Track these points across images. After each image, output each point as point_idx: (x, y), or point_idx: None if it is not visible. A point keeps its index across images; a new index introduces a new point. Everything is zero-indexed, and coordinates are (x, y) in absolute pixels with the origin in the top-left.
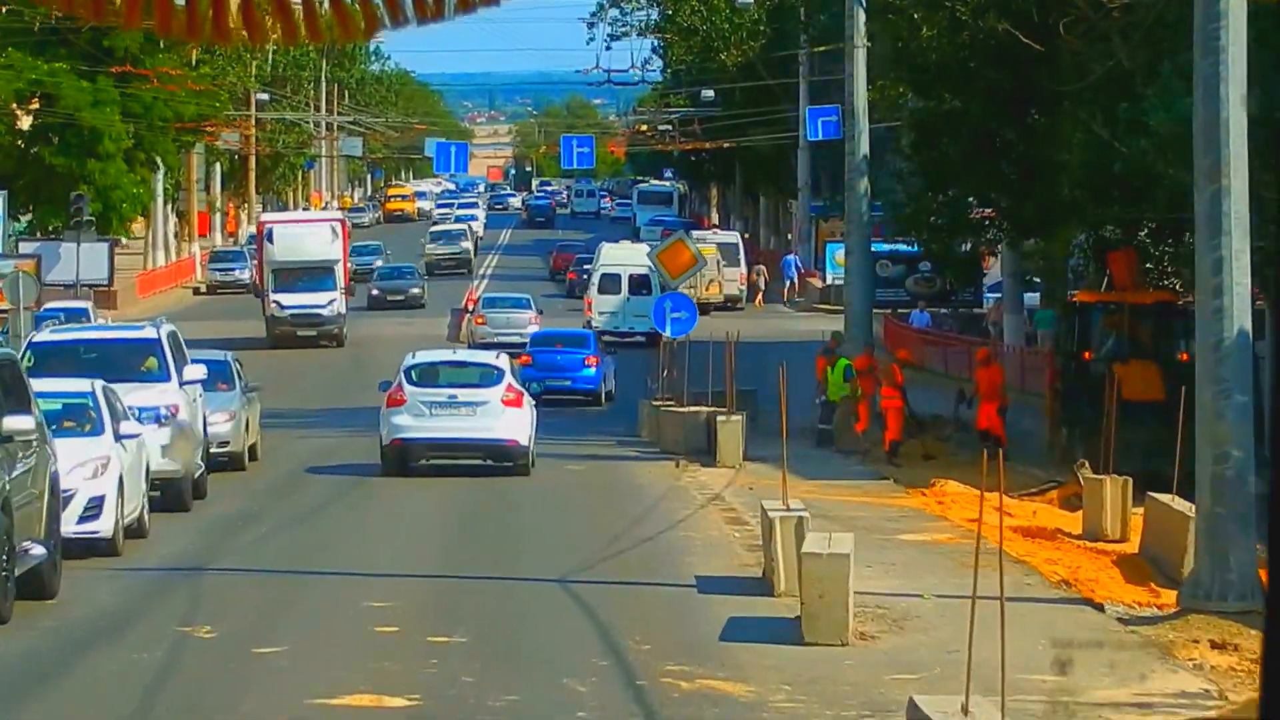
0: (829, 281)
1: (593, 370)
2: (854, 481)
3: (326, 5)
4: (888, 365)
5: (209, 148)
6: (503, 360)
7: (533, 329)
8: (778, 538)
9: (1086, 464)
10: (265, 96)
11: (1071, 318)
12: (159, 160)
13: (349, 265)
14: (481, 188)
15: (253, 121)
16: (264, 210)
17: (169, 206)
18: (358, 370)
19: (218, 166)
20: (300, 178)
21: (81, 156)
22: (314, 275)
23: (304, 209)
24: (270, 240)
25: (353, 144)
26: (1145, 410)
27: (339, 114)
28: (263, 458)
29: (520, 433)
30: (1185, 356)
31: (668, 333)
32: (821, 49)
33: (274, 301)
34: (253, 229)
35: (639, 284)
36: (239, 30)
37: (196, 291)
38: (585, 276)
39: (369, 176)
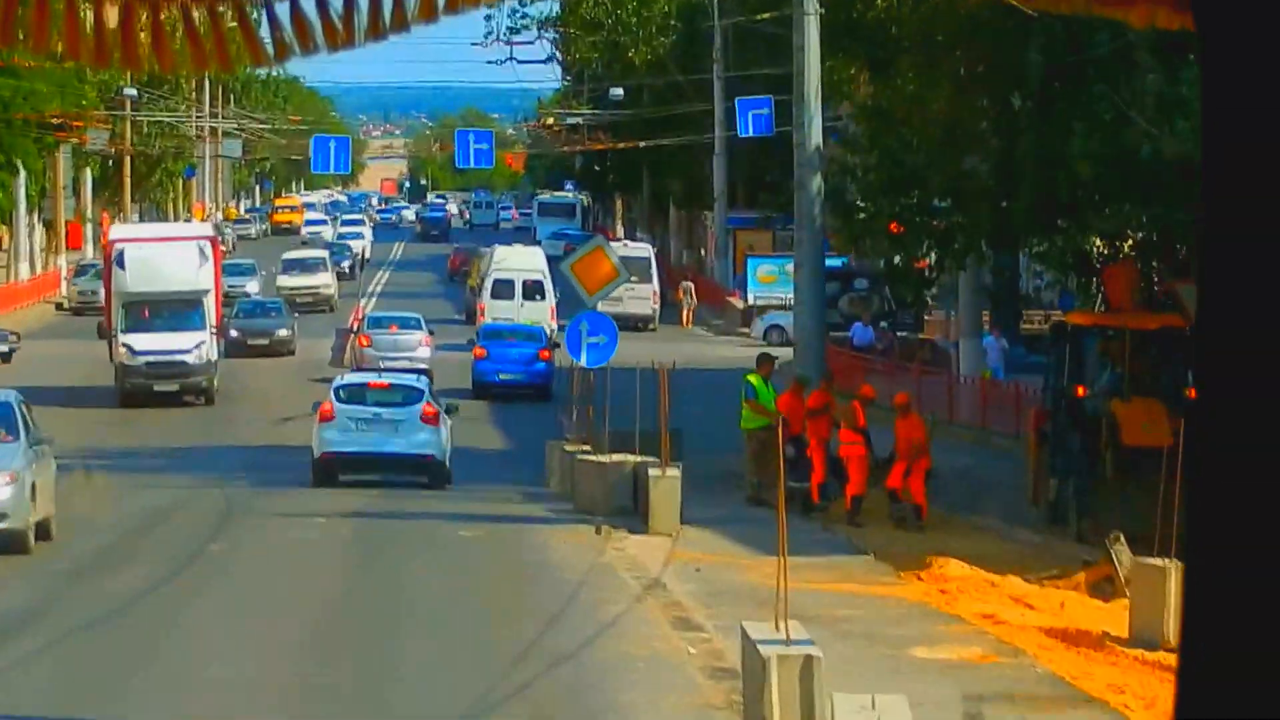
0: (752, 301)
1: (544, 364)
2: (825, 557)
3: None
4: (848, 404)
5: (77, 150)
6: (422, 381)
7: (424, 351)
8: (774, 692)
9: (1122, 539)
10: (134, 93)
11: (1061, 345)
12: (19, 163)
13: (221, 292)
14: (374, 200)
15: (127, 122)
16: (141, 219)
17: (34, 215)
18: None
19: (88, 172)
20: (181, 186)
21: None
22: (176, 310)
23: (186, 220)
24: (120, 264)
25: (232, 146)
26: (1148, 458)
27: (222, 118)
28: (61, 535)
29: (437, 448)
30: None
31: (583, 361)
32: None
33: (124, 345)
34: None
35: (533, 290)
36: (149, 57)
37: (59, 307)
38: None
39: (257, 187)
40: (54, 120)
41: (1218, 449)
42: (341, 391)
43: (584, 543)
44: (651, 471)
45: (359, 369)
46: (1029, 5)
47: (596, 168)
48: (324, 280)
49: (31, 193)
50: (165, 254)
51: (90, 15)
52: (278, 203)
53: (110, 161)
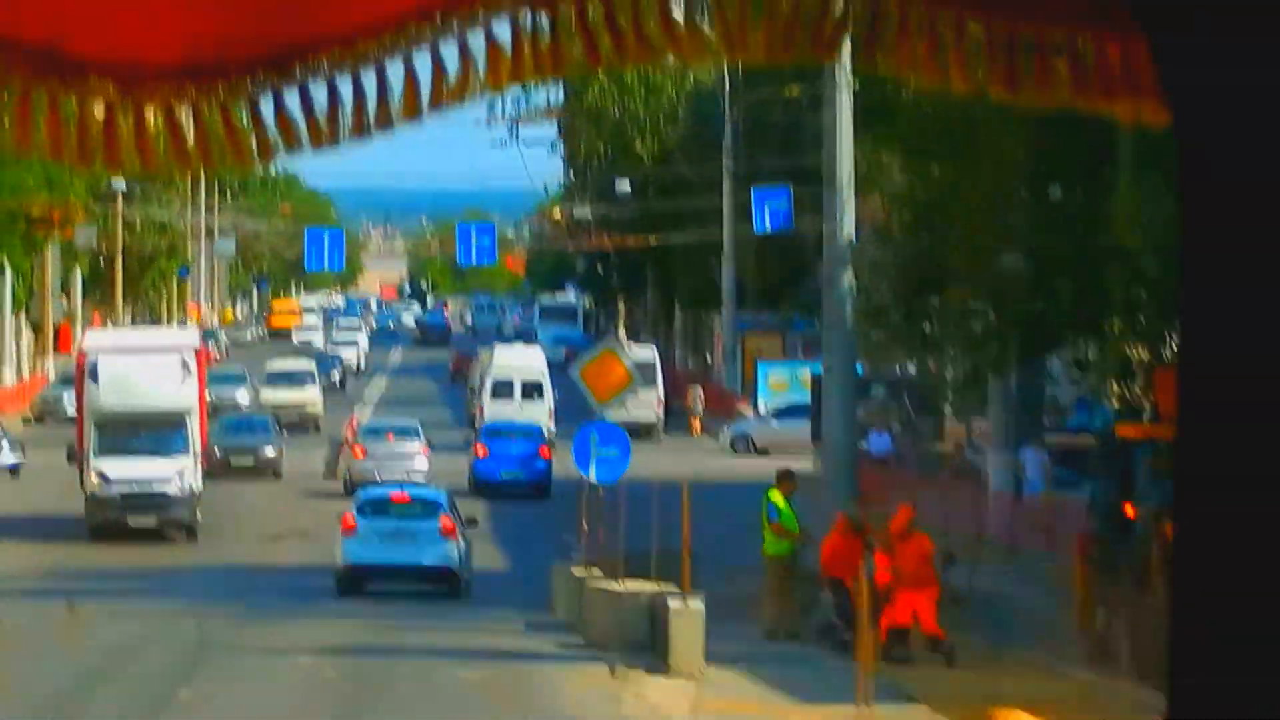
0: (762, 411)
1: (544, 462)
2: (868, 706)
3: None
4: (881, 525)
5: (66, 248)
6: (441, 495)
7: (421, 462)
8: None
9: None
10: (123, 186)
11: (1110, 459)
12: (4, 261)
13: (207, 406)
14: (373, 305)
15: (118, 218)
16: (133, 321)
17: (21, 315)
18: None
19: (77, 270)
20: (175, 286)
21: None
22: (156, 431)
23: (181, 322)
24: (94, 377)
25: (225, 245)
26: None
27: (218, 215)
28: (4, 681)
29: (455, 560)
30: None
31: (593, 476)
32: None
33: (96, 473)
34: None
35: (531, 389)
36: (132, 157)
37: (26, 422)
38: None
39: (254, 289)
40: (40, 215)
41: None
42: (365, 505)
43: (599, 686)
44: (672, 603)
45: (353, 482)
46: (1012, 101)
47: (600, 269)
48: (310, 396)
49: (19, 293)
50: (144, 366)
51: (75, 112)
52: (275, 305)
53: (101, 259)
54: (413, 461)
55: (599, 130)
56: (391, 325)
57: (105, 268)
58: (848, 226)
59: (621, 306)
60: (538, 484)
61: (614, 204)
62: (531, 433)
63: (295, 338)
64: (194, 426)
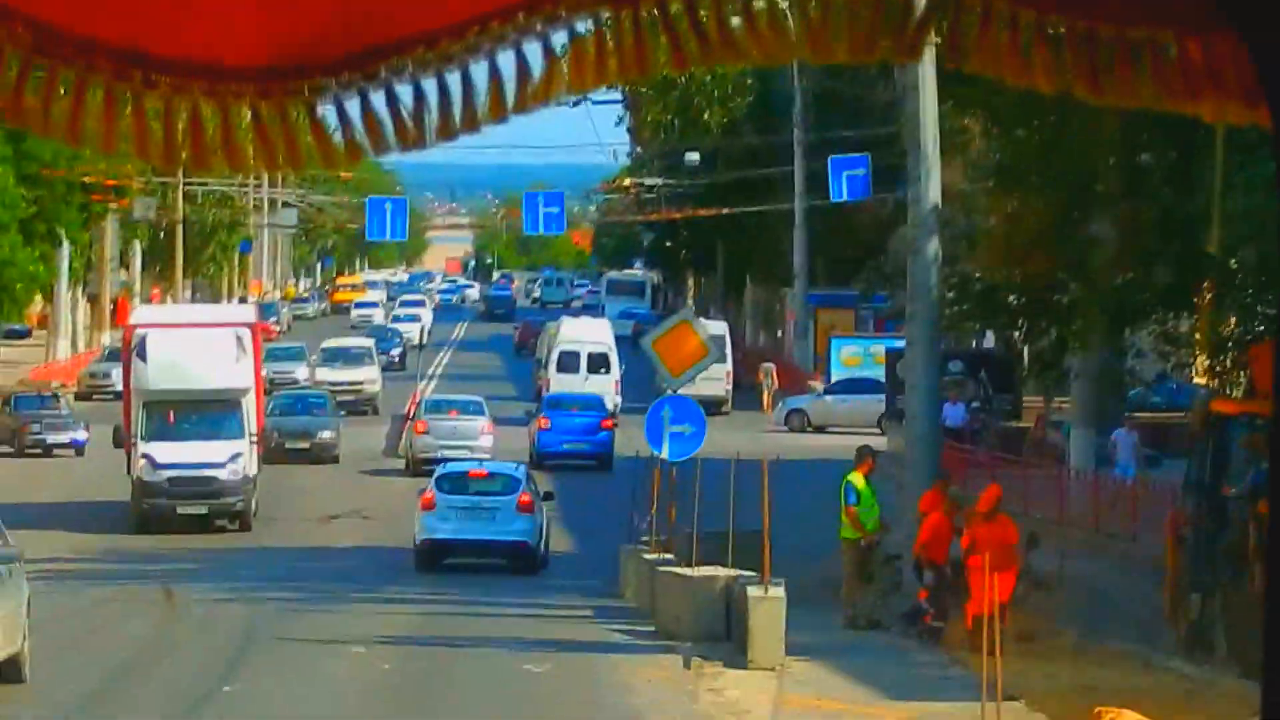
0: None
1: (606, 434)
2: (964, 702)
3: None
4: (968, 505)
5: (125, 221)
6: (520, 470)
7: (486, 439)
8: None
9: None
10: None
11: (1206, 437)
12: (61, 233)
13: (264, 384)
14: (438, 280)
15: (179, 189)
16: (195, 300)
17: (79, 289)
18: (263, 527)
19: (136, 244)
20: (238, 261)
21: None
22: (208, 414)
23: (241, 299)
24: (141, 355)
25: (288, 216)
26: None
27: (281, 189)
28: (40, 674)
29: (531, 535)
30: None
31: (665, 453)
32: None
33: (143, 456)
34: None
35: (597, 362)
36: (219, 157)
37: (77, 397)
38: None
39: (318, 265)
40: (99, 183)
41: None
42: (443, 481)
43: (672, 680)
44: (750, 591)
45: (415, 460)
46: (1097, 101)
47: (668, 243)
48: (368, 375)
49: (76, 265)
50: (196, 344)
51: (160, 109)
52: (339, 281)
53: (161, 233)
54: (477, 438)
55: (666, 102)
56: (456, 300)
57: (165, 241)
58: (933, 193)
59: (690, 281)
60: (600, 456)
61: (683, 175)
62: (594, 404)
63: (354, 315)
64: (249, 408)
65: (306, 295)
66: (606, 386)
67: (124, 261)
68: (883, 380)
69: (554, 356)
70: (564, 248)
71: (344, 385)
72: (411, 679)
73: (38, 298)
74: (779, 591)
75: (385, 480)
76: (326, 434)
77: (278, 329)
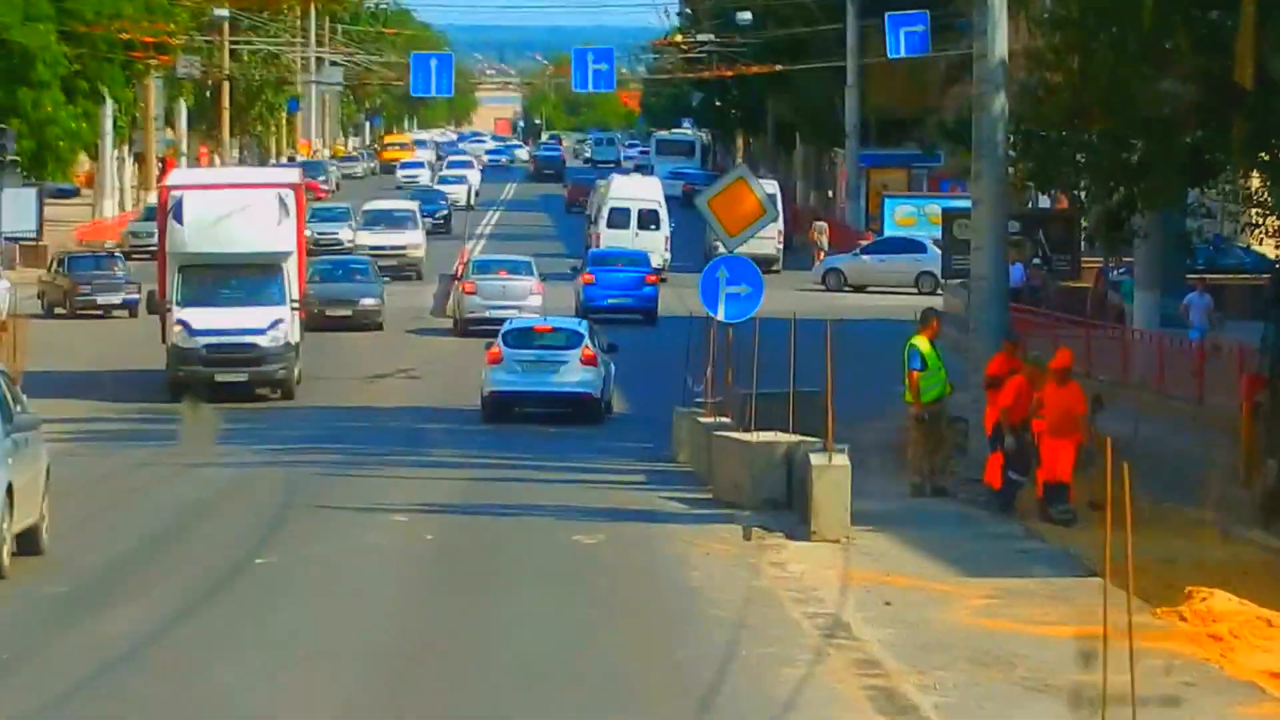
0: None
1: (651, 288)
2: (1040, 579)
3: None
4: (1037, 371)
5: (169, 79)
6: (583, 325)
7: (534, 299)
8: None
9: None
10: (224, 13)
11: None
12: (105, 91)
13: (306, 247)
14: (488, 140)
15: (225, 48)
16: (243, 159)
17: (125, 148)
18: (305, 387)
19: (181, 102)
20: (285, 121)
21: (10, 84)
22: (248, 279)
23: (289, 158)
24: (178, 217)
25: (333, 73)
26: None
27: (329, 48)
28: (60, 545)
29: (594, 386)
30: None
31: (721, 314)
32: None
33: (179, 322)
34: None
35: (648, 219)
36: None
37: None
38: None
39: (366, 124)
40: (140, 41)
41: None
42: (509, 336)
43: (732, 553)
44: (814, 458)
45: (462, 319)
46: None
47: (717, 103)
48: (411, 239)
49: (121, 124)
50: (235, 205)
51: None
52: (387, 139)
53: (208, 92)
54: (525, 298)
55: None
56: (505, 161)
57: (212, 100)
58: (999, 47)
59: (740, 141)
60: (645, 310)
61: (734, 31)
62: (638, 259)
63: (399, 175)
64: (291, 273)
65: (355, 154)
66: (656, 243)
67: (170, 121)
68: (919, 240)
69: (604, 213)
70: (612, 108)
71: (386, 250)
72: (456, 551)
73: (83, 156)
74: (843, 459)
75: (432, 340)
76: (369, 301)
77: (326, 188)
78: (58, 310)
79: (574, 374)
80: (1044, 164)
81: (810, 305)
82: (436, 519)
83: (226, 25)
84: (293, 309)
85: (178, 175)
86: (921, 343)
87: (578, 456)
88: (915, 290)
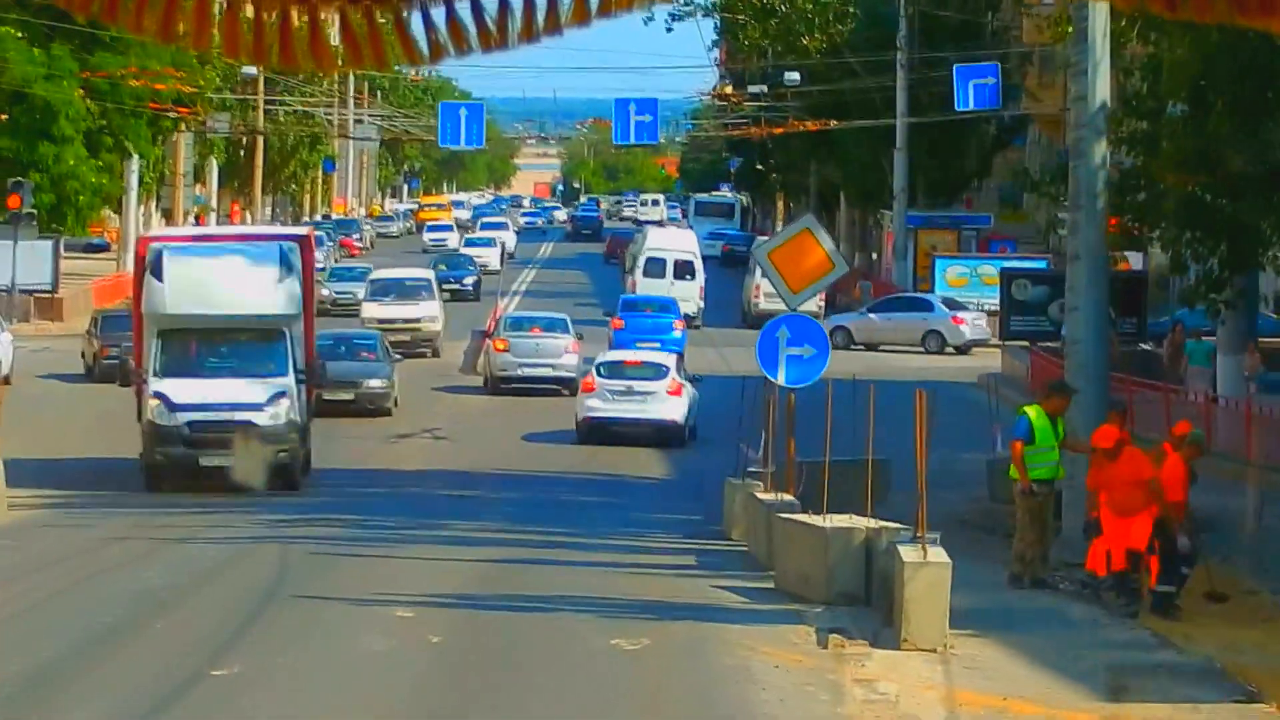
0: (974, 306)
1: (679, 334)
2: (1193, 704)
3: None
4: (1155, 445)
5: (199, 136)
6: (670, 359)
7: (569, 358)
8: None
9: None
10: (253, 71)
11: None
12: (129, 146)
13: (315, 307)
14: (526, 203)
15: (260, 105)
16: (275, 218)
17: (152, 204)
18: (323, 445)
19: (213, 159)
20: (322, 181)
21: (32, 138)
22: (240, 346)
23: (324, 216)
24: (156, 273)
25: (367, 131)
26: None
27: (368, 111)
28: None
29: (679, 414)
30: None
31: (781, 379)
32: None
33: (156, 395)
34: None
35: (683, 269)
36: (306, 56)
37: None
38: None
39: (405, 187)
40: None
41: None
42: (602, 368)
43: (807, 665)
44: (905, 553)
45: (493, 379)
46: (1172, 16)
47: (759, 167)
48: (426, 311)
49: (148, 179)
50: (227, 260)
51: (249, 14)
52: (424, 200)
53: (242, 150)
54: (560, 356)
55: (765, 27)
56: (541, 223)
57: (246, 158)
58: (1101, 89)
59: (780, 204)
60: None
61: (780, 88)
62: (667, 306)
63: (426, 239)
64: (296, 339)
65: (391, 214)
66: (691, 292)
67: (201, 178)
68: (925, 299)
69: (640, 263)
70: (650, 173)
71: (397, 323)
72: (466, 660)
73: (107, 212)
74: (941, 553)
75: (461, 399)
76: (376, 382)
77: (360, 245)
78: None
79: (662, 403)
80: (1143, 216)
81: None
82: (447, 614)
83: (261, 81)
84: (299, 382)
85: (162, 231)
86: (1035, 413)
87: (616, 531)
88: (922, 349)
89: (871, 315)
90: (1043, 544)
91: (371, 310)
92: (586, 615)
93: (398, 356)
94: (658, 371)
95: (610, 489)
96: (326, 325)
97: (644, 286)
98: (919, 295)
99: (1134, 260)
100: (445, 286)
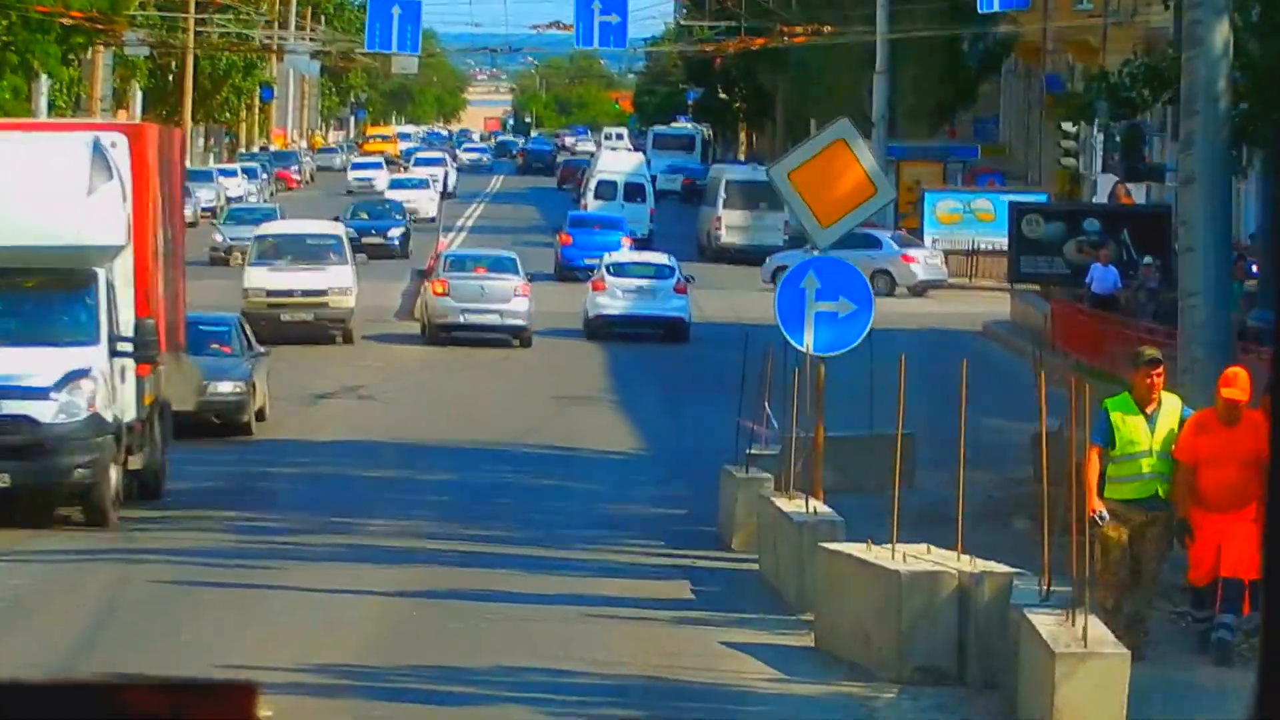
0: (930, 244)
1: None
2: None
3: None
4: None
5: (118, 56)
6: (673, 260)
7: (519, 302)
8: None
9: None
10: None
11: None
12: (37, 65)
13: (176, 247)
14: (477, 138)
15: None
16: (208, 146)
17: None
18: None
19: (135, 83)
20: (260, 110)
21: None
22: (20, 294)
23: (261, 147)
24: None
25: (310, 65)
26: None
27: (309, 37)
28: None
29: (685, 312)
30: None
31: (809, 344)
32: None
33: None
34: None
35: (634, 191)
36: None
37: None
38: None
39: (351, 119)
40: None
41: None
42: (610, 267)
43: None
44: (1048, 630)
45: (432, 325)
46: None
47: (722, 95)
48: (335, 280)
49: (61, 103)
50: (12, 163)
51: None
52: (369, 131)
53: (170, 76)
54: (508, 301)
55: None
56: (485, 160)
57: (174, 83)
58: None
59: (743, 134)
60: None
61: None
62: (614, 223)
63: (350, 177)
64: (121, 281)
65: (334, 146)
66: (641, 214)
67: (123, 103)
68: (874, 235)
69: (592, 184)
70: (603, 108)
71: (295, 295)
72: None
73: None
74: (1103, 632)
75: (394, 350)
76: (226, 386)
77: (298, 178)
78: None
79: (667, 301)
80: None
81: (758, 309)
82: (323, 707)
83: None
84: (115, 352)
85: None
86: (1115, 407)
87: (577, 535)
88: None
89: (816, 252)
90: (1133, 595)
91: (257, 278)
92: (536, 708)
93: (264, 351)
94: (661, 270)
95: (570, 467)
96: (209, 288)
97: (595, 209)
98: (865, 231)
99: (1136, 194)
100: (366, 240)
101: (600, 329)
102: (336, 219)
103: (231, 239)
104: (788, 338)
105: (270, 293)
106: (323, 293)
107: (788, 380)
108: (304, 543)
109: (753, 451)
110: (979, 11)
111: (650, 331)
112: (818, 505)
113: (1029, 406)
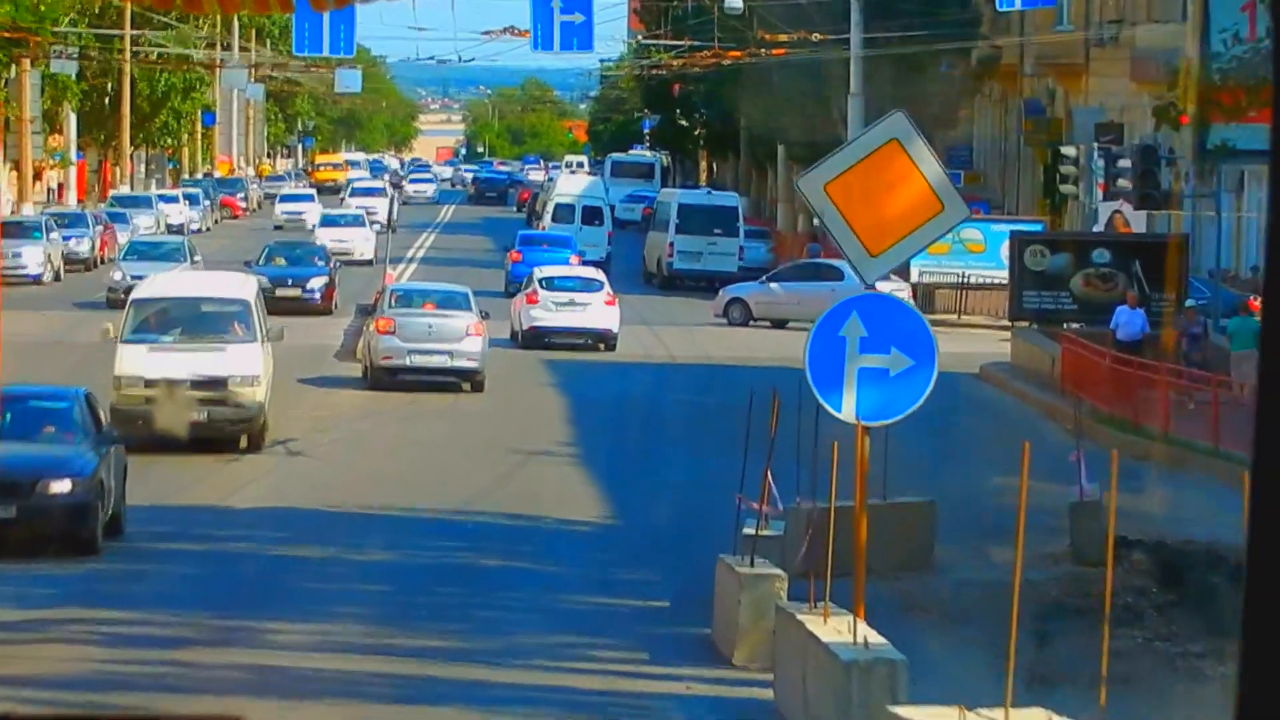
0: (916, 277)
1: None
2: None
3: None
4: None
5: (48, 77)
6: (602, 275)
7: (471, 342)
8: None
9: None
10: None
11: None
12: None
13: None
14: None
15: (126, 41)
16: (149, 172)
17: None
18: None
19: (67, 105)
20: (202, 136)
21: None
22: None
23: (205, 174)
24: None
25: (242, 78)
26: None
27: (255, 58)
28: None
29: (613, 324)
30: None
31: (851, 409)
32: None
33: None
34: (121, 191)
35: (591, 215)
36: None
37: None
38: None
39: (300, 146)
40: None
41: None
42: (543, 281)
43: None
44: None
45: (374, 367)
46: None
47: (682, 122)
48: (237, 365)
49: None
50: None
51: None
52: (318, 159)
53: (107, 98)
54: (458, 341)
55: None
56: (430, 191)
57: (112, 105)
58: None
59: (704, 162)
60: None
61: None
62: (565, 243)
63: (278, 210)
64: None
65: (283, 174)
66: (599, 238)
67: (55, 126)
68: (834, 265)
69: (550, 208)
70: (556, 137)
71: (182, 386)
72: None
73: None
74: None
75: (333, 394)
76: (59, 486)
77: (244, 207)
78: None
79: (598, 313)
80: None
81: (725, 346)
82: None
83: (127, 14)
84: None
85: None
86: None
87: (534, 644)
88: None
89: (773, 285)
90: None
91: (132, 361)
92: None
93: (115, 436)
94: (591, 285)
95: (528, 543)
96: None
97: (552, 231)
98: (825, 261)
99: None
100: (280, 293)
101: (533, 340)
102: (248, 265)
103: (133, 277)
104: (821, 401)
105: (149, 382)
106: (221, 382)
107: (789, 437)
108: (190, 662)
109: (752, 531)
110: (998, 10)
111: (581, 342)
112: (867, 633)
113: (1046, 461)
